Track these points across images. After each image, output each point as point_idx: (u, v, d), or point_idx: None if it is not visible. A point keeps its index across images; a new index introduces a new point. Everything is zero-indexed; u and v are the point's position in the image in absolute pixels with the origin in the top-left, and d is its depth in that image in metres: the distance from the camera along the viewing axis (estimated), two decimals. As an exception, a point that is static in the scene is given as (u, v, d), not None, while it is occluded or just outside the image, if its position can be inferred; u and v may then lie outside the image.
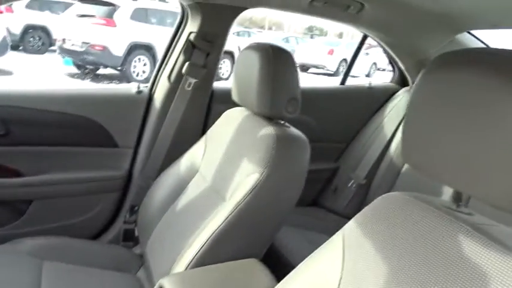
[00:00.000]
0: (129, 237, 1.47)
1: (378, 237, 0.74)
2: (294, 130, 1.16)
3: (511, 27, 1.51)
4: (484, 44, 1.75)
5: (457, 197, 0.71)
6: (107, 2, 6.85)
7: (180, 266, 1.04)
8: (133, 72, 7.07)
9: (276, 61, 1.11)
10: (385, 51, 1.86)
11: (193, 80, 1.48)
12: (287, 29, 29.25)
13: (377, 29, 1.70)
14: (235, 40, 8.40)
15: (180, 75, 1.50)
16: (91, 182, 1.47)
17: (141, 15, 7.03)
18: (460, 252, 0.62)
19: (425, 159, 0.66)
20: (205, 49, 1.47)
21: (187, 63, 1.47)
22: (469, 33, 1.71)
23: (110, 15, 6.83)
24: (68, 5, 7.69)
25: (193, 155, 1.35)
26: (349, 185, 1.84)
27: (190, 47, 1.47)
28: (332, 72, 10.98)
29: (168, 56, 1.56)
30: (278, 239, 1.48)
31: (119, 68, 7.06)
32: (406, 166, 1.70)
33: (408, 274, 0.66)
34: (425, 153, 0.66)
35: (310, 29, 27.17)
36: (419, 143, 0.67)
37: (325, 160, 1.93)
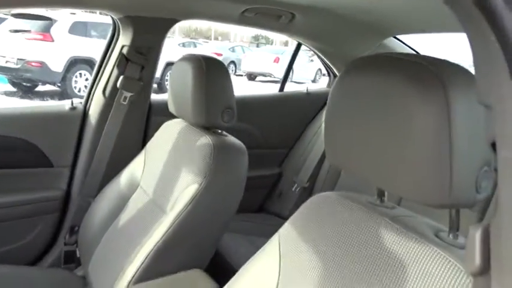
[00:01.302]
0: (71, 259, 1.42)
1: (310, 237, 0.77)
2: (231, 138, 1.18)
3: (439, 32, 1.62)
4: (410, 47, 1.86)
5: (380, 193, 0.76)
6: (42, 17, 6.59)
7: (123, 283, 1.02)
8: (75, 87, 6.84)
9: (209, 72, 1.12)
10: (320, 58, 1.93)
11: (128, 94, 1.46)
12: (233, 39, 29.47)
13: (309, 37, 1.76)
14: (181, 51, 8.36)
15: (115, 90, 1.48)
16: (27, 204, 1.41)
17: (80, 28, 6.82)
18: (381, 243, 0.66)
19: (346, 158, 0.70)
20: (140, 62, 1.46)
21: (121, 77, 1.45)
22: (396, 38, 1.82)
23: (46, 30, 6.57)
24: (0, 20, 7.33)
25: (133, 170, 1.33)
26: (293, 189, 1.89)
27: (124, 61, 1.45)
28: (279, 80, 11.16)
29: (101, 70, 1.53)
30: (224, 247, 1.49)
31: (59, 85, 6.81)
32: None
33: (339, 270, 0.69)
34: (345, 152, 0.70)
35: (256, 38, 27.52)
36: (338, 143, 0.71)
37: (269, 166, 1.97)
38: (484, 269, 0.35)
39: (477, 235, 0.36)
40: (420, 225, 0.67)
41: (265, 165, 1.92)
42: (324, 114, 1.96)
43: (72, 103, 1.51)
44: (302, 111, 2.00)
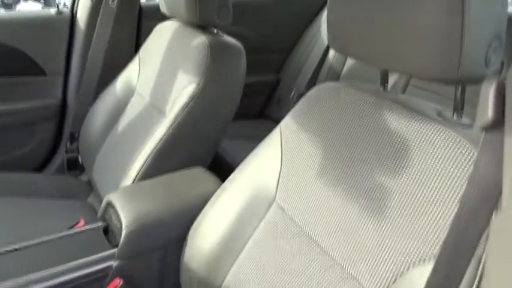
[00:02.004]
0: (74, 166, 1.44)
1: (311, 126, 0.77)
2: (227, 38, 1.13)
3: None
4: None
5: (384, 79, 0.74)
6: None
7: (126, 182, 1.05)
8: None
9: None
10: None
11: (116, -5, 1.38)
12: None
13: None
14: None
15: (101, -9, 1.39)
16: (24, 112, 1.40)
17: None
18: (383, 124, 0.65)
19: (349, 42, 0.68)
20: None
21: None
22: None
23: None
24: None
25: (129, 76, 1.30)
26: (291, 95, 1.86)
27: (108, -41, 1.35)
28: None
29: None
30: (224, 151, 1.51)
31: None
32: (344, 71, 1.74)
33: (340, 155, 0.70)
34: (349, 35, 0.67)
35: None
36: (342, 26, 0.68)
37: (266, 72, 1.93)
38: (497, 122, 0.34)
39: (492, 88, 0.35)
40: (423, 107, 0.66)
41: (262, 71, 1.88)
42: (321, 17, 1.89)
43: (57, 7, 1.43)
44: (300, 14, 1.91)
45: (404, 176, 0.60)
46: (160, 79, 1.18)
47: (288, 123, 0.82)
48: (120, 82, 1.31)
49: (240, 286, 0.74)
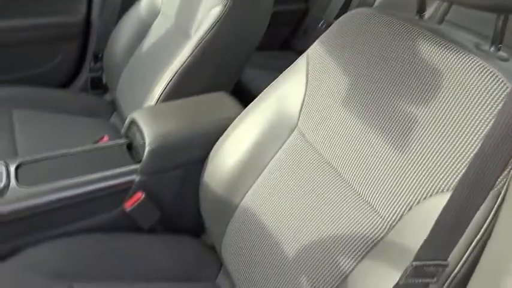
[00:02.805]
0: (98, 85, 1.46)
1: (339, 52, 0.75)
2: None
3: None
4: None
5: (421, 7, 0.71)
6: None
7: (149, 102, 1.06)
8: None
9: None
10: None
11: None
12: None
13: None
14: None
15: None
16: (47, 28, 1.39)
17: None
18: (417, 55, 0.63)
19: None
20: None
21: None
22: None
23: None
24: None
25: None
26: (320, 25, 1.80)
27: None
28: None
29: None
30: (247, 81, 1.50)
31: None
32: (377, 1, 1.66)
33: (367, 85, 0.68)
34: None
35: None
36: None
37: (294, 1, 1.85)
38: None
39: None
40: (461, 38, 0.63)
41: (290, 0, 1.81)
42: None
43: None
44: None
45: (432, 106, 0.59)
46: (186, 0, 1.15)
47: (316, 49, 0.80)
48: (145, 2, 1.28)
49: (256, 208, 0.76)
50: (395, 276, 0.50)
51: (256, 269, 0.73)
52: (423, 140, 0.58)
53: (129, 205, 0.84)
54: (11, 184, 0.77)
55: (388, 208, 0.58)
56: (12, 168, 0.80)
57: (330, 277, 0.62)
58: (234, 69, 1.13)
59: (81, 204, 0.82)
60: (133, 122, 0.92)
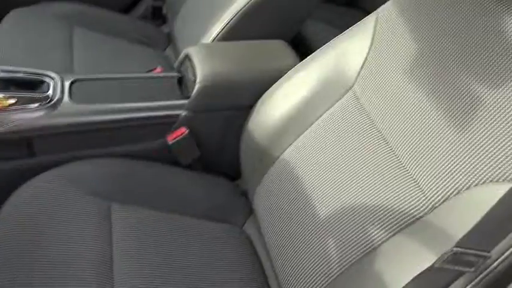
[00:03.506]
0: (158, 15, 1.45)
1: (414, 16, 0.69)
2: None
3: None
4: None
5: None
6: None
7: (206, 39, 1.04)
8: None
9: None
10: None
11: None
12: None
13: None
14: None
15: None
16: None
17: None
18: (497, 33, 0.57)
19: None
20: None
21: None
22: None
23: None
24: None
25: None
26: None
27: None
28: None
29: None
30: (308, 33, 1.44)
31: None
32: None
33: (437, 56, 0.63)
34: None
35: None
36: None
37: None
38: None
39: None
40: None
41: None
42: None
43: None
44: None
45: (502, 89, 0.54)
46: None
47: (387, 10, 0.75)
48: None
49: (295, 164, 0.75)
50: (425, 258, 0.48)
51: (284, 223, 0.73)
52: (487, 123, 0.54)
53: (171, 138, 0.85)
54: (63, 99, 0.80)
55: (435, 188, 0.56)
56: (67, 84, 0.82)
57: (358, 245, 0.61)
58: (296, 19, 1.08)
59: (126, 130, 0.84)
60: (187, 57, 0.91)
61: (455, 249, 0.43)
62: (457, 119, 0.57)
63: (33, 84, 0.81)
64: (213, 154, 0.93)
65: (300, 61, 0.85)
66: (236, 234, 0.85)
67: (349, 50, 0.76)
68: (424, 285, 0.44)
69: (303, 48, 0.97)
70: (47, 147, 0.80)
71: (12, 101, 0.77)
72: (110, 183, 0.80)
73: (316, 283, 0.63)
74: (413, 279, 0.45)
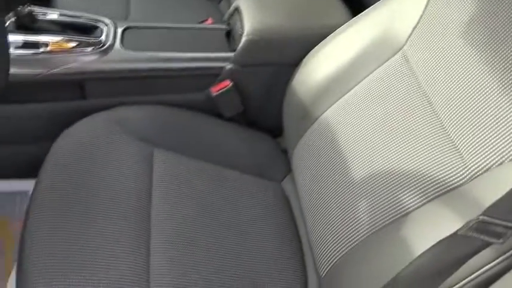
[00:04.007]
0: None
1: None
2: None
3: None
4: None
5: None
6: None
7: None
8: None
9: None
10: None
11: None
12: None
13: None
14: None
15: None
16: None
17: None
18: None
19: None
20: None
21: None
22: None
23: None
24: None
25: None
26: None
27: None
28: None
29: None
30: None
31: None
32: None
33: (497, 24, 0.58)
34: None
35: None
36: None
37: None
38: None
39: None
40: None
41: None
42: None
43: None
44: None
45: None
46: None
47: None
48: None
49: (335, 124, 0.74)
50: (453, 226, 0.47)
51: (319, 182, 0.73)
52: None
53: (215, 90, 0.86)
54: (115, 45, 0.83)
55: (476, 157, 0.53)
56: (119, 30, 0.85)
57: (390, 209, 0.60)
58: None
59: (173, 79, 0.86)
60: (237, 10, 0.90)
61: (481, 217, 0.41)
62: (509, 90, 0.53)
63: (88, 29, 0.85)
64: (256, 109, 0.93)
65: (352, 18, 0.81)
66: (274, 191, 0.87)
67: (404, 9, 0.72)
68: (446, 251, 0.43)
69: (355, 4, 0.93)
70: (97, 91, 0.84)
71: (72, 44, 0.81)
72: (154, 129, 0.83)
73: (343, 244, 0.63)
74: (434, 245, 0.44)
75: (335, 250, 0.65)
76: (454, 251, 0.41)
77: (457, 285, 0.42)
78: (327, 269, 0.66)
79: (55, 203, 0.68)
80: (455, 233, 0.43)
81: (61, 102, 0.84)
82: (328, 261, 0.66)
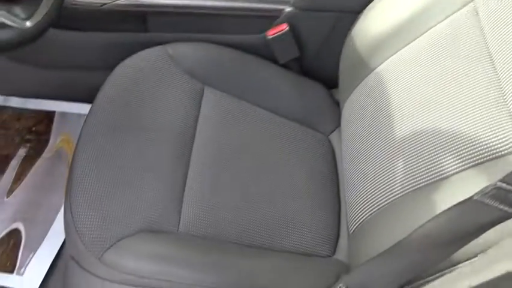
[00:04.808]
0: None
1: None
2: None
3: None
4: None
5: None
6: None
7: None
8: None
9: None
10: None
11: None
12: None
13: None
14: None
15: None
16: None
17: None
18: None
19: None
20: None
21: None
22: None
23: None
24: None
25: None
26: None
27: None
28: None
29: None
30: None
31: None
32: None
33: None
34: None
35: None
36: None
37: None
38: None
39: None
40: None
41: None
42: None
43: None
44: None
45: None
46: None
47: None
48: None
49: (390, 77, 0.69)
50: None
51: (362, 139, 0.70)
52: None
53: (271, 33, 0.85)
54: (179, -20, 0.83)
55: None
56: (184, -34, 0.85)
57: (429, 171, 0.56)
58: None
59: (230, 18, 0.85)
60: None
61: (499, 183, 0.37)
62: None
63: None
64: (312, 57, 0.90)
65: None
66: (319, 141, 0.86)
67: None
68: (461, 217, 0.40)
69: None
70: (158, 25, 0.87)
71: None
72: (207, 67, 0.84)
73: (375, 202, 0.62)
74: (449, 209, 0.41)
75: (366, 208, 0.63)
76: (469, 218, 0.38)
77: (470, 260, 0.40)
78: (356, 226, 0.65)
79: (104, 127, 0.72)
80: (471, 198, 0.40)
81: (122, 33, 0.88)
82: (358, 218, 0.65)
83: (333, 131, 0.88)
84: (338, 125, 0.87)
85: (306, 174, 0.79)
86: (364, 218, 0.63)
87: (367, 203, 0.63)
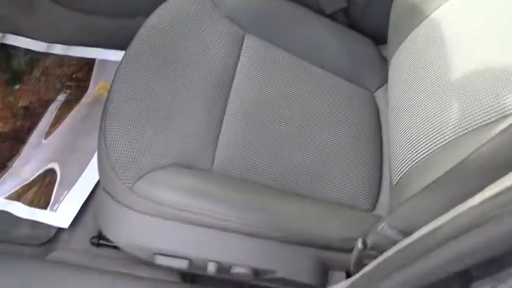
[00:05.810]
0: None
1: None
2: None
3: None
4: None
5: None
6: None
7: None
8: None
9: None
10: None
11: None
12: None
13: None
14: None
15: None
16: None
17: None
18: None
19: None
20: None
21: None
22: None
23: None
24: None
25: None
26: None
27: None
28: None
29: None
30: None
31: None
32: None
33: None
34: None
35: None
36: None
37: None
38: None
39: None
40: None
41: None
42: None
43: None
44: None
45: None
46: None
47: None
48: None
49: (449, 22, 0.64)
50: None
51: (411, 86, 0.65)
52: None
53: (318, -20, 0.81)
54: None
55: None
56: None
57: (486, 111, 0.51)
58: None
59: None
60: None
61: None
62: None
63: None
64: (360, 8, 0.85)
65: None
66: (365, 98, 0.82)
67: None
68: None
69: None
70: None
71: None
72: (251, 14, 0.81)
73: (423, 148, 0.57)
74: (498, 133, 0.36)
75: (413, 157, 0.59)
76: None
77: None
78: (401, 176, 0.61)
79: (140, 67, 0.70)
80: None
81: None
82: (403, 168, 0.61)
83: (379, 88, 0.84)
84: (385, 81, 0.82)
85: (349, 129, 0.75)
86: (410, 166, 0.59)
87: (413, 151, 0.59)
